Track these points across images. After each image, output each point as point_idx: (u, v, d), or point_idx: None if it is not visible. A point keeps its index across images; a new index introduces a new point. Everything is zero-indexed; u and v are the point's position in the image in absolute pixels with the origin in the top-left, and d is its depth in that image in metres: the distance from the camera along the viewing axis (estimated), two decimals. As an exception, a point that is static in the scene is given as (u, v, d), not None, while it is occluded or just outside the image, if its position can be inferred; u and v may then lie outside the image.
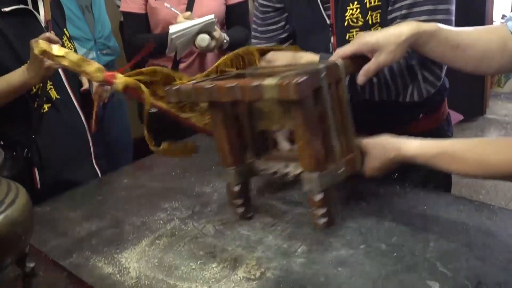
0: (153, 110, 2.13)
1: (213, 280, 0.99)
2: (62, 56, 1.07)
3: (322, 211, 1.03)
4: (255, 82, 0.98)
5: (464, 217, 1.11)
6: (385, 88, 1.24)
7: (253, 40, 1.48)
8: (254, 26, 1.46)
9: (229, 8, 2.15)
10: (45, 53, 1.06)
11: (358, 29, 1.27)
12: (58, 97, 1.56)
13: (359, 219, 1.14)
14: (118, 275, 1.03)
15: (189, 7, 2.07)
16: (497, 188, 3.13)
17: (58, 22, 1.61)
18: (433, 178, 1.31)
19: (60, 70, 1.56)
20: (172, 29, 1.88)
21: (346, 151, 1.09)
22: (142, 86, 1.14)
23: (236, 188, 1.16)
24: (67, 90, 1.59)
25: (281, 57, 1.29)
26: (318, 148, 1.02)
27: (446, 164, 1.00)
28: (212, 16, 1.92)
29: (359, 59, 1.12)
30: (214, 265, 1.04)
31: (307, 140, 1.00)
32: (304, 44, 1.39)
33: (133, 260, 1.09)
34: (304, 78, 0.94)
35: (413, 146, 1.04)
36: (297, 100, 0.96)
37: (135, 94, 1.15)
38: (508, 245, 1.00)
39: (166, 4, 2.02)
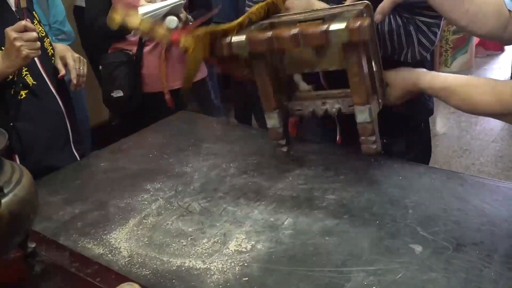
0: (119, 94, 2.13)
1: (206, 254, 1.02)
2: (138, 27, 1.16)
3: (373, 138, 1.13)
4: (321, 28, 1.04)
5: (437, 185, 1.18)
6: (382, 45, 1.31)
7: (247, 2, 1.51)
8: None
9: (193, -10, 2.16)
10: (124, 21, 1.14)
11: None
12: (34, 83, 1.54)
13: (339, 191, 1.19)
14: (110, 255, 1.05)
15: (153, -11, 2.06)
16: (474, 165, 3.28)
17: (28, 6, 1.57)
18: (413, 148, 1.39)
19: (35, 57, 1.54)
20: (141, 10, 1.88)
21: (380, 83, 1.21)
22: (199, 46, 1.15)
23: (280, 130, 1.23)
24: (43, 76, 1.57)
25: (297, 5, 1.32)
26: (368, 84, 1.12)
27: (446, 98, 1.16)
28: (181, -2, 1.93)
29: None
30: (204, 241, 1.07)
31: (361, 77, 1.08)
32: None
33: (122, 240, 1.10)
34: (368, 20, 1.02)
35: (426, 80, 1.20)
36: (366, 39, 1.04)
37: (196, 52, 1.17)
38: (480, 209, 1.07)
39: None
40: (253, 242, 1.05)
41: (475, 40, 4.87)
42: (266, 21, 1.25)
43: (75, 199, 1.28)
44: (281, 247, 1.02)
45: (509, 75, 4.56)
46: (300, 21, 1.19)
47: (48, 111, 1.60)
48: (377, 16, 1.19)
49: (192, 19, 2.06)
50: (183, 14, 1.99)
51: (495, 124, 3.62)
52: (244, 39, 1.11)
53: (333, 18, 1.13)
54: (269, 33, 1.08)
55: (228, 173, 1.32)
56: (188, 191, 1.26)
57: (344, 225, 1.07)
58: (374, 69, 1.18)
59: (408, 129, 1.49)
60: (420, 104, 1.48)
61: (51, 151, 1.59)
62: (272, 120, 1.22)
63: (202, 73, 2.32)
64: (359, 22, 1.00)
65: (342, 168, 1.28)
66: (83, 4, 3.09)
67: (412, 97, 1.27)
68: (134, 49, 2.16)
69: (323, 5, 1.31)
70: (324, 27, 1.03)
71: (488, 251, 0.94)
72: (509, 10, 1.13)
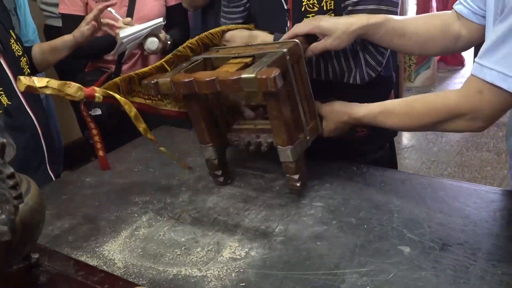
0: (97, 112, 2.13)
1: (201, 263, 1.05)
2: (45, 86, 1.11)
3: (297, 176, 1.18)
4: (234, 76, 1.08)
5: (419, 190, 1.23)
6: (330, 67, 1.35)
7: (222, 20, 1.56)
8: (222, 7, 1.55)
9: (169, 10, 2.18)
10: (29, 88, 1.09)
11: (314, 14, 1.36)
12: (9, 103, 1.54)
13: (326, 199, 1.23)
14: (104, 267, 1.06)
15: (131, 8, 2.08)
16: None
17: (4, 24, 1.58)
18: (381, 162, 1.43)
19: (10, 76, 1.54)
20: (122, 33, 1.91)
21: (309, 119, 1.23)
22: (116, 95, 1.21)
23: (215, 161, 1.29)
24: (19, 96, 1.57)
25: (238, 37, 1.39)
26: (290, 124, 1.15)
27: (385, 120, 1.18)
28: (160, 19, 1.96)
29: (310, 37, 1.25)
30: (198, 250, 1.09)
31: (281, 121, 1.12)
32: (262, 27, 1.47)
33: (116, 252, 1.11)
34: (278, 71, 1.05)
35: (361, 109, 1.21)
36: (275, 90, 1.06)
37: (113, 101, 1.22)
38: (461, 211, 1.13)
39: (109, 8, 2.03)
40: (246, 249, 1.07)
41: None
42: (202, 56, 1.31)
43: (63, 214, 1.28)
44: (275, 253, 1.05)
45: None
46: (234, 57, 1.23)
47: (22, 131, 1.60)
48: (308, 53, 1.25)
49: (170, 39, 2.09)
50: (162, 35, 2.02)
51: (460, 136, 3.74)
52: (168, 81, 1.17)
53: (262, 56, 1.16)
54: (190, 78, 1.14)
55: (215, 185, 1.35)
56: (177, 203, 1.28)
57: (333, 230, 1.11)
58: (301, 106, 1.20)
59: (371, 150, 1.51)
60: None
61: (25, 171, 1.57)
62: (207, 153, 1.30)
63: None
64: (266, 74, 1.04)
65: (326, 177, 1.32)
66: (54, 23, 3.10)
67: (345, 130, 1.28)
68: (112, 67, 2.17)
69: (267, 37, 1.37)
70: (236, 75, 1.08)
71: (472, 250, 0.99)
72: (467, 19, 1.20)
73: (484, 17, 1.13)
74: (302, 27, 1.25)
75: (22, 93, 1.60)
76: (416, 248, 1.02)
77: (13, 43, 1.60)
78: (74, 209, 1.30)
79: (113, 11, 2.03)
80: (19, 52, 1.63)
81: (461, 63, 5.22)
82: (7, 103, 1.54)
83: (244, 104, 1.33)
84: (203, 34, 1.38)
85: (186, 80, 1.14)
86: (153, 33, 1.97)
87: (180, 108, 1.35)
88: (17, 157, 1.52)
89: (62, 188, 1.44)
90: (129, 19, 2.02)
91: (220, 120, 1.32)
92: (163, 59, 1.30)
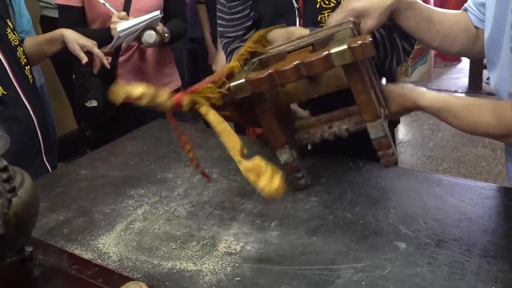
0: (93, 104, 2.12)
1: (196, 257, 1.04)
2: (141, 96, 1.05)
3: (390, 150, 1.12)
4: (322, 54, 1.02)
5: (415, 186, 1.23)
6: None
7: (219, 29, 1.52)
8: (219, 14, 1.50)
9: (166, 2, 2.17)
10: (128, 97, 1.04)
11: (329, 10, 1.35)
12: (5, 93, 1.52)
13: (322, 193, 1.23)
14: (99, 260, 1.05)
15: (128, 0, 2.07)
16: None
17: (1, 14, 1.57)
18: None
19: (6, 66, 1.53)
20: (120, 27, 1.90)
21: (381, 95, 1.20)
22: (202, 100, 1.10)
23: (294, 164, 1.21)
24: (15, 85, 1.56)
25: (278, 36, 1.33)
26: (375, 99, 1.10)
27: (447, 118, 1.15)
28: (158, 12, 1.95)
29: None
30: (193, 244, 1.08)
31: (367, 93, 1.07)
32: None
33: (111, 245, 1.11)
34: (369, 37, 1.01)
35: (426, 99, 1.17)
36: (363, 59, 1.03)
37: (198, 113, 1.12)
38: (457, 207, 1.13)
39: (101, 0, 2.02)
40: (242, 244, 1.07)
41: (433, 51, 5.04)
42: (254, 60, 1.22)
43: (58, 207, 1.28)
44: (270, 247, 1.05)
45: (467, 84, 4.73)
46: (289, 52, 1.18)
47: (18, 121, 1.59)
48: None
49: (168, 31, 2.08)
50: (159, 27, 2.01)
51: (456, 131, 3.72)
52: (243, 81, 1.08)
53: (323, 42, 1.13)
54: (270, 70, 1.06)
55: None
56: (173, 196, 1.28)
57: (329, 225, 1.10)
58: (376, 84, 1.18)
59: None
60: None
61: (21, 162, 1.56)
62: (285, 156, 1.19)
63: (177, 83, 2.34)
64: (360, 41, 1.00)
65: (322, 172, 1.32)
66: (50, 14, 3.09)
67: (407, 113, 1.26)
68: (109, 59, 2.16)
69: (304, 31, 1.31)
70: (325, 52, 1.02)
71: (467, 246, 0.99)
72: (476, 27, 1.22)
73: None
74: (338, 14, 1.21)
75: (18, 83, 1.58)
76: (411, 244, 1.02)
77: (9, 33, 1.59)
78: (69, 202, 1.30)
79: (107, 4, 2.02)
80: (16, 42, 1.62)
81: (457, 58, 5.22)
82: (2, 93, 1.53)
83: (304, 99, 1.25)
84: (247, 44, 1.29)
85: (264, 74, 1.05)
86: (150, 26, 1.96)
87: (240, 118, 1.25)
88: (13, 149, 1.52)
89: (57, 180, 1.43)
90: (123, 13, 2.01)
91: (285, 121, 1.24)
92: (231, 64, 1.18)
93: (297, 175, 1.23)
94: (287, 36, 1.31)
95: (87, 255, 1.07)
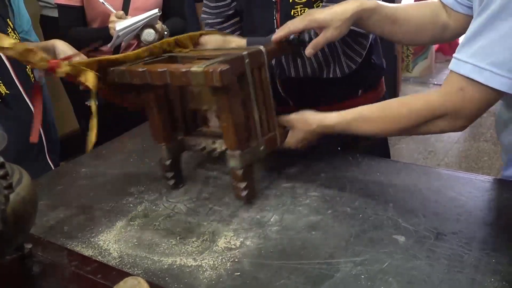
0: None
1: (196, 252, 1.05)
2: (9, 48, 1.08)
3: (243, 184, 1.15)
4: (184, 68, 1.06)
5: (414, 180, 1.23)
6: (308, 64, 1.35)
7: (202, 15, 1.55)
8: (205, 1, 1.53)
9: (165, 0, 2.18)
10: None
11: (302, 5, 1.36)
12: (7, 92, 1.53)
13: (321, 188, 1.23)
14: (99, 257, 1.06)
15: (127, -1, 2.08)
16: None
17: (1, 13, 1.57)
18: (373, 150, 1.43)
19: (8, 65, 1.53)
20: (119, 26, 1.90)
21: (267, 130, 1.20)
22: (89, 71, 1.17)
23: (167, 162, 1.26)
24: (17, 85, 1.56)
25: (212, 41, 1.37)
26: (241, 129, 1.12)
27: (359, 127, 1.14)
28: (156, 10, 1.95)
29: (289, 43, 1.26)
30: (193, 239, 1.09)
31: (231, 122, 1.09)
32: (249, 20, 1.47)
33: (111, 242, 1.11)
34: (227, 66, 1.02)
35: (333, 116, 1.17)
36: (221, 86, 1.03)
37: (77, 81, 1.19)
38: (456, 201, 1.13)
39: (102, 0, 2.02)
40: (241, 239, 1.07)
41: (435, 46, 5.03)
42: (169, 54, 1.29)
43: (58, 204, 1.28)
44: (270, 242, 1.05)
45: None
46: (199, 58, 1.21)
47: (20, 120, 1.59)
48: (309, 51, 1.23)
49: (167, 29, 2.08)
50: (159, 25, 2.01)
51: (458, 126, 3.74)
52: (123, 69, 1.17)
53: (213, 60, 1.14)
54: (144, 68, 1.13)
55: (211, 175, 1.35)
56: (173, 193, 1.28)
57: (328, 220, 1.11)
58: (257, 114, 1.17)
59: (363, 137, 1.50)
60: None
61: (24, 161, 1.57)
62: (161, 152, 1.27)
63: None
64: (214, 68, 1.02)
65: (322, 166, 1.32)
66: (50, 14, 3.09)
67: (312, 141, 1.25)
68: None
69: (241, 42, 1.35)
70: (186, 68, 1.06)
71: (467, 239, 0.99)
72: (453, 9, 1.19)
73: (468, 7, 1.13)
74: (297, 23, 1.22)
75: (20, 82, 1.59)
76: (411, 237, 1.02)
77: (10, 32, 1.59)
78: (69, 200, 1.30)
79: (106, 3, 2.02)
80: (17, 41, 1.62)
81: (459, 53, 5.20)
82: (5, 92, 1.53)
83: (205, 109, 1.28)
84: (182, 35, 1.36)
85: (140, 69, 1.13)
86: (149, 24, 1.97)
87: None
88: (16, 148, 1.54)
89: (57, 178, 1.44)
90: (121, 12, 2.01)
91: (180, 123, 1.29)
92: (137, 50, 1.27)
93: (167, 174, 1.29)
94: (223, 44, 1.34)
95: (88, 252, 1.07)
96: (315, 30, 1.23)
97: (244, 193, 1.16)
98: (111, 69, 1.18)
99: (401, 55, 4.81)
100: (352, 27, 1.30)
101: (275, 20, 1.42)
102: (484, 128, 3.66)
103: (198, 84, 1.06)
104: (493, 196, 1.15)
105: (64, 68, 1.15)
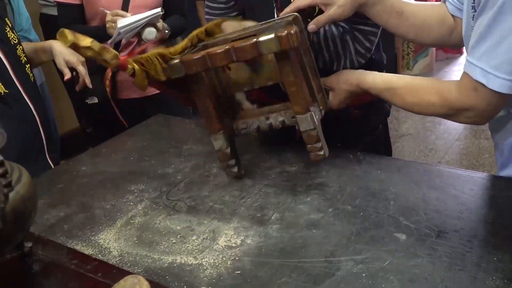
0: (94, 100, 2.13)
1: (197, 251, 1.04)
2: (88, 47, 1.08)
3: (319, 144, 1.15)
4: (251, 40, 1.06)
5: (415, 177, 1.22)
6: (320, 56, 1.36)
7: (206, 16, 1.56)
8: (206, 3, 1.54)
9: (166, -2, 2.17)
10: (74, 45, 1.07)
11: None
12: (6, 91, 1.52)
13: (322, 186, 1.22)
14: (100, 255, 1.05)
15: (127, -4, 2.07)
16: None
17: (0, 13, 1.57)
18: (371, 150, 1.43)
19: (7, 64, 1.53)
20: (121, 23, 1.90)
21: (318, 92, 1.22)
22: (136, 67, 1.16)
23: (227, 150, 1.24)
24: (16, 84, 1.56)
25: (231, 27, 1.38)
26: (306, 91, 1.13)
27: (390, 98, 1.19)
28: (159, 9, 1.95)
29: (307, 14, 1.26)
30: (194, 238, 1.08)
31: (298, 85, 1.10)
32: (250, 18, 1.47)
33: (111, 240, 1.11)
34: (296, 28, 1.05)
35: (368, 80, 1.21)
36: (287, 50, 1.05)
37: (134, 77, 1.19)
38: (457, 198, 1.12)
39: (101, 8, 2.02)
40: (242, 237, 1.07)
41: (435, 43, 5.02)
42: (200, 44, 1.28)
43: (58, 203, 1.28)
44: (270, 241, 1.05)
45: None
46: (233, 40, 1.20)
47: (21, 119, 1.59)
48: (311, 26, 1.24)
49: (168, 28, 2.08)
50: (160, 24, 2.01)
51: (458, 124, 3.73)
52: (177, 61, 1.14)
53: (264, 32, 1.15)
54: (202, 52, 1.11)
55: (211, 173, 1.34)
56: (173, 191, 1.28)
57: (329, 218, 1.10)
58: (311, 77, 1.20)
59: (365, 131, 1.52)
60: (376, 107, 1.53)
61: (23, 160, 1.56)
62: (218, 142, 1.24)
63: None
64: (286, 31, 1.03)
65: (322, 164, 1.31)
66: (49, 12, 3.08)
67: (356, 98, 1.28)
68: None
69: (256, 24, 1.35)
70: (254, 39, 1.06)
71: (468, 237, 0.99)
72: (454, 16, 1.21)
73: None
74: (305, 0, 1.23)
75: (19, 81, 1.58)
76: (412, 235, 1.01)
77: (8, 31, 1.59)
78: (69, 198, 1.30)
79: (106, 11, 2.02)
80: (15, 40, 1.62)
81: (459, 51, 5.19)
82: (4, 91, 1.53)
83: (247, 89, 1.30)
84: (209, 24, 1.36)
85: (198, 56, 1.10)
86: (151, 22, 1.96)
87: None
88: (16, 147, 1.53)
89: (57, 177, 1.43)
90: (116, 11, 2.00)
91: (224, 109, 1.28)
92: (182, 43, 1.26)
93: (230, 162, 1.26)
94: (239, 28, 1.34)
95: (88, 251, 1.07)
96: (321, 7, 1.23)
97: (321, 153, 1.16)
98: (168, 64, 1.16)
99: (401, 52, 4.80)
100: (362, 27, 1.32)
101: (275, 17, 1.41)
102: (485, 125, 3.64)
103: (269, 51, 1.06)
104: (494, 193, 1.15)
105: (131, 66, 1.15)
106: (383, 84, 1.19)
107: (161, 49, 1.19)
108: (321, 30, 1.33)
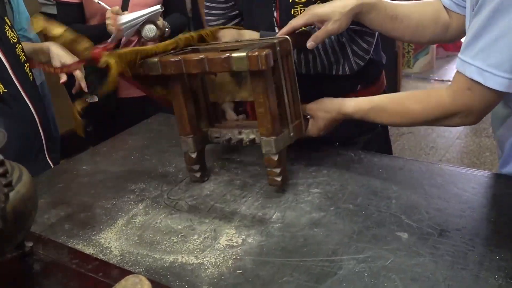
0: (93, 99, 2.12)
1: (198, 250, 1.04)
2: (59, 36, 1.11)
3: (278, 170, 1.16)
4: (224, 55, 1.07)
5: (417, 176, 1.22)
6: (319, 61, 1.37)
7: (206, 17, 1.56)
8: (207, 3, 1.54)
9: (166, -4, 2.17)
10: (45, 30, 1.10)
11: (302, 5, 1.36)
12: (5, 90, 1.52)
13: (323, 185, 1.22)
14: (101, 255, 1.05)
15: (127, -5, 2.06)
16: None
17: (-1, 12, 1.56)
18: (370, 149, 1.43)
19: (6, 63, 1.52)
20: (121, 20, 1.89)
21: (294, 118, 1.21)
22: (113, 62, 1.16)
23: (193, 155, 1.26)
24: (15, 83, 1.55)
25: (227, 34, 1.39)
26: (275, 115, 1.13)
27: (376, 117, 1.17)
28: (158, 6, 1.95)
29: (302, 35, 1.25)
30: (195, 237, 1.08)
31: (267, 108, 1.11)
32: (249, 20, 1.48)
33: (112, 240, 1.10)
34: (269, 51, 1.05)
35: (351, 105, 1.20)
36: (261, 70, 1.05)
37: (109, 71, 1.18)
38: (459, 197, 1.12)
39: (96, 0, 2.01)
40: (243, 236, 1.07)
41: (436, 41, 5.01)
42: (191, 48, 1.29)
43: (59, 202, 1.27)
44: (272, 239, 1.05)
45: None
46: (221, 50, 1.21)
47: (20, 119, 1.58)
48: (310, 43, 1.24)
49: (168, 26, 2.07)
50: (160, 22, 2.00)
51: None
52: (155, 60, 1.16)
53: (246, 48, 1.15)
54: (179, 57, 1.13)
55: (212, 172, 1.34)
56: (174, 190, 1.27)
57: (331, 216, 1.10)
58: (288, 102, 1.18)
59: (365, 130, 1.51)
60: None
61: (23, 160, 1.56)
62: (185, 144, 1.26)
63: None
64: (257, 52, 1.04)
65: (323, 163, 1.31)
66: (49, 11, 3.08)
67: (333, 128, 1.26)
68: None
69: (253, 34, 1.37)
70: (227, 54, 1.07)
71: (470, 236, 0.99)
72: (451, 11, 1.20)
73: (465, 7, 1.12)
74: (299, 19, 1.23)
75: (18, 80, 1.58)
76: (414, 234, 1.01)
77: (7, 30, 1.58)
78: (70, 197, 1.30)
79: (101, 2, 2.01)
80: (14, 39, 1.61)
81: (459, 49, 5.19)
82: (3, 91, 1.52)
83: (228, 100, 1.31)
84: (204, 30, 1.37)
85: (174, 59, 1.13)
86: (150, 20, 1.96)
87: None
88: (16, 147, 1.53)
89: (58, 176, 1.43)
90: (117, 8, 1.99)
91: (203, 115, 1.29)
92: (164, 43, 1.27)
93: (194, 167, 1.28)
94: (237, 36, 1.36)
95: (89, 250, 1.07)
96: (317, 24, 1.23)
97: (278, 179, 1.17)
98: (143, 60, 1.19)
99: (401, 50, 4.79)
100: (358, 27, 1.31)
101: (274, 19, 1.41)
102: (486, 123, 3.65)
103: (240, 69, 1.08)
104: (496, 192, 1.14)
105: (106, 58, 1.16)
106: (368, 104, 1.17)
107: (141, 47, 1.21)
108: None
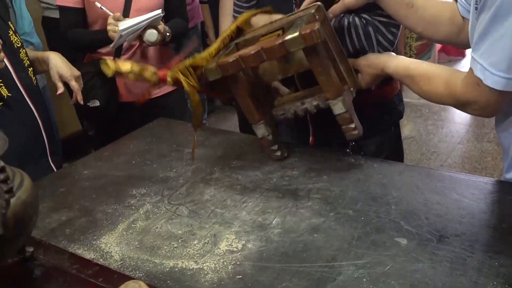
0: (96, 104, 2.13)
1: (198, 255, 1.04)
2: (130, 72, 1.19)
3: (353, 125, 1.24)
4: (278, 40, 1.13)
5: (417, 181, 1.22)
6: (344, 48, 1.37)
7: (234, 14, 1.62)
8: (234, 1, 1.61)
9: (167, 1, 2.17)
10: (116, 73, 1.19)
11: None
12: (9, 94, 1.53)
13: (323, 190, 1.22)
14: (101, 260, 1.05)
15: (128, 0, 2.07)
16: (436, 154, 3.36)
17: (2, 16, 1.57)
18: (383, 150, 1.43)
19: (10, 68, 1.53)
20: (122, 26, 1.90)
21: (348, 74, 1.28)
22: (182, 78, 1.25)
23: (270, 137, 1.34)
24: (19, 87, 1.56)
25: (260, 20, 1.42)
26: (336, 78, 1.20)
27: (409, 85, 1.24)
28: (159, 11, 1.96)
29: (326, 2, 1.31)
30: (195, 242, 1.08)
31: (327, 74, 1.18)
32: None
33: (113, 245, 1.11)
34: (318, 24, 1.10)
35: (391, 66, 1.27)
36: (320, 42, 1.12)
37: (180, 86, 1.27)
38: (459, 202, 1.12)
39: (98, 4, 2.02)
40: (243, 242, 1.07)
41: (438, 46, 5.02)
42: (233, 43, 1.35)
43: (60, 207, 1.28)
44: (272, 245, 1.05)
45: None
46: (263, 35, 1.28)
47: (23, 123, 1.59)
48: (329, 16, 1.28)
49: (169, 30, 2.08)
50: (161, 26, 2.01)
51: (461, 127, 3.74)
52: (214, 65, 1.22)
53: (290, 26, 1.21)
54: (235, 55, 1.19)
55: (212, 177, 1.35)
56: (175, 195, 1.28)
57: (330, 222, 1.10)
58: (338, 61, 1.25)
59: (378, 131, 1.54)
60: (390, 107, 1.53)
61: (26, 163, 1.57)
62: (260, 131, 1.33)
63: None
64: (309, 28, 1.09)
65: (324, 169, 1.32)
66: (52, 15, 3.09)
67: (381, 79, 1.34)
68: (110, 59, 2.16)
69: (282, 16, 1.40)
70: (280, 39, 1.12)
71: (470, 242, 0.99)
72: (463, 17, 1.21)
73: None
74: None
75: (22, 84, 1.59)
76: (413, 239, 1.01)
77: (11, 35, 1.59)
78: (71, 202, 1.30)
79: (104, 7, 2.02)
80: (18, 44, 1.62)
81: (461, 54, 5.19)
82: (7, 95, 1.53)
83: (279, 79, 1.38)
84: (238, 19, 1.42)
85: (232, 59, 1.18)
86: (152, 24, 1.97)
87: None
88: (19, 151, 1.54)
89: (59, 180, 1.44)
90: (118, 14, 2.00)
91: (262, 99, 1.35)
92: (214, 45, 1.33)
93: (273, 147, 1.36)
94: (269, 20, 1.38)
95: (89, 255, 1.07)
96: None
97: (355, 132, 1.24)
98: (204, 69, 1.25)
99: (403, 55, 4.80)
100: (385, 19, 1.36)
101: (294, 5, 1.46)
102: (488, 128, 3.65)
103: (296, 48, 1.13)
104: (496, 198, 1.14)
105: (170, 75, 1.24)
106: (404, 71, 1.23)
107: (191, 59, 1.27)
108: (345, 22, 1.37)
